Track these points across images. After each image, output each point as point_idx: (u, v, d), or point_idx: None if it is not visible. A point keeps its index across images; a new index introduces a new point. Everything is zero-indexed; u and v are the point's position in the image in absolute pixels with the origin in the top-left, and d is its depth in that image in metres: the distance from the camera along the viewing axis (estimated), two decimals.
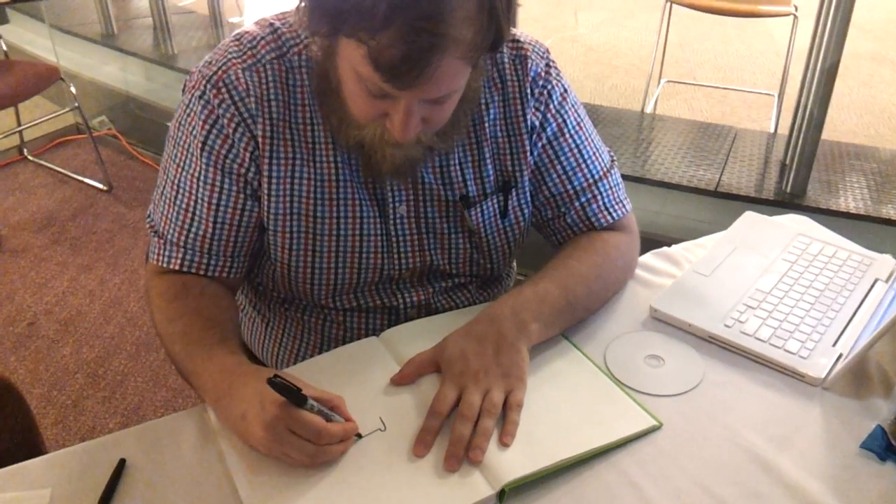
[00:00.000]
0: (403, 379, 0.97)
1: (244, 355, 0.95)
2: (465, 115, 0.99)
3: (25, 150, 3.49)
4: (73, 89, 3.14)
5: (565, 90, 1.09)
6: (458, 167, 1.06)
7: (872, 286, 1.15)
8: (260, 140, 0.98)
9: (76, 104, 3.17)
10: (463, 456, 0.86)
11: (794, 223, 1.33)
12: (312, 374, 0.97)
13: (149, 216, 1.08)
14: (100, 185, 3.25)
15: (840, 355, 1.02)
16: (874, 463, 0.88)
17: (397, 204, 1.05)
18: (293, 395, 0.82)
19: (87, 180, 3.29)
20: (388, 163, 0.96)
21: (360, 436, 0.89)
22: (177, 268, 1.03)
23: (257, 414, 0.83)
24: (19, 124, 3.34)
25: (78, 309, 2.53)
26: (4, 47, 3.27)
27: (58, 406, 2.13)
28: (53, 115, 3.30)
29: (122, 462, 0.87)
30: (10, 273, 2.71)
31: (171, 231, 1.03)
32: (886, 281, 1.16)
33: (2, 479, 0.86)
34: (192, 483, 0.86)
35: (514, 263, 1.30)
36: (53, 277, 2.68)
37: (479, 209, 1.08)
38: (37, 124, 3.35)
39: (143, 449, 0.90)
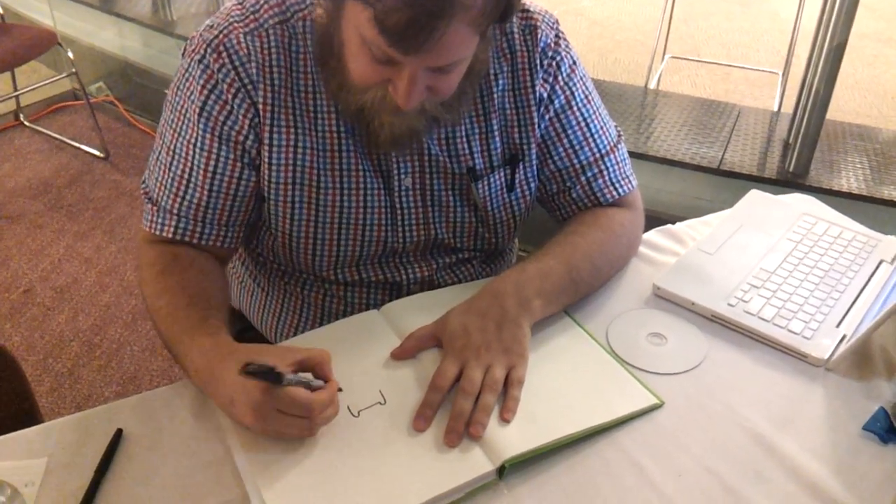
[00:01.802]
0: (404, 353, 0.96)
1: (226, 331, 0.93)
2: (472, 87, 0.97)
3: (22, 116, 3.46)
4: (70, 55, 3.10)
5: (574, 62, 1.07)
6: (464, 139, 1.04)
7: (877, 267, 1.14)
8: (261, 107, 0.97)
9: (73, 70, 3.14)
10: (463, 431, 0.85)
11: (800, 202, 1.32)
12: (311, 345, 0.96)
13: (143, 182, 1.06)
14: (96, 152, 3.23)
15: (844, 336, 1.01)
16: (876, 445, 0.88)
17: (403, 176, 1.03)
18: (270, 377, 0.80)
19: (83, 147, 3.27)
20: (386, 132, 0.93)
21: (339, 389, 0.87)
22: (169, 236, 1.01)
23: (243, 400, 0.82)
24: (16, 89, 3.31)
25: (74, 277, 2.52)
26: (1, 11, 3.22)
27: (53, 374, 2.12)
28: (50, 80, 3.26)
29: (119, 432, 0.87)
30: (5, 240, 2.69)
31: (165, 198, 1.01)
32: (892, 262, 1.15)
33: None
34: (189, 453, 0.85)
35: (517, 240, 1.28)
36: (49, 244, 2.67)
37: (485, 182, 1.06)
38: (33, 89, 3.32)
39: (141, 419, 0.89)
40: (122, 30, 3.82)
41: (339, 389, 0.88)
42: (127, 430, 0.87)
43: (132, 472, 0.83)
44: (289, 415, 0.82)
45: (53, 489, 0.81)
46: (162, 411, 0.91)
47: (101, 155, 3.21)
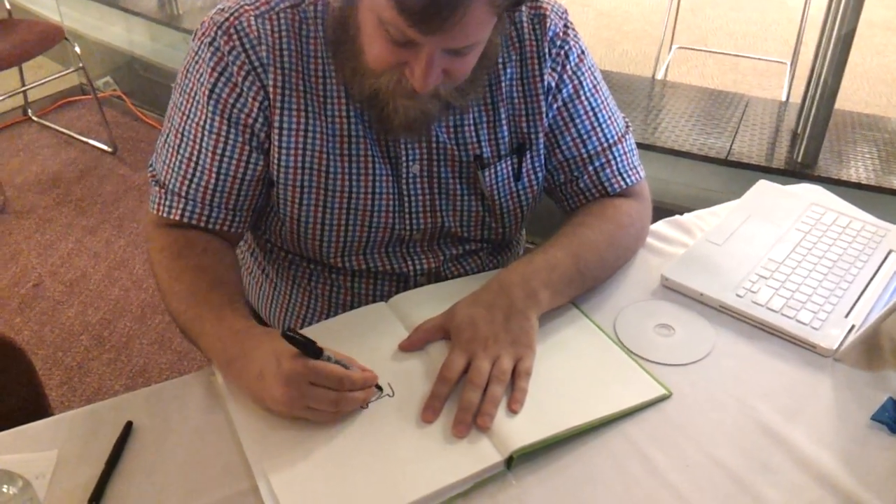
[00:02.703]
0: (412, 345, 0.96)
1: (252, 317, 0.95)
2: (483, 73, 0.98)
3: (30, 111, 3.47)
4: (77, 49, 3.10)
5: (582, 52, 1.07)
6: (472, 127, 1.04)
7: (886, 257, 1.13)
8: (271, 90, 0.97)
9: (81, 64, 3.14)
10: (471, 422, 0.85)
11: (808, 192, 1.32)
12: (320, 338, 0.96)
13: (150, 165, 1.06)
14: (104, 147, 3.23)
15: (852, 327, 1.01)
16: (885, 435, 0.87)
17: (410, 163, 1.03)
18: (309, 348, 0.82)
19: (91, 141, 3.27)
20: (399, 116, 0.93)
21: (380, 388, 0.89)
22: (177, 218, 1.01)
23: (274, 371, 0.83)
24: (23, 84, 3.32)
25: (83, 271, 2.53)
26: (8, 6, 3.23)
27: (63, 368, 2.13)
28: (58, 75, 3.27)
29: (129, 424, 0.87)
30: (15, 234, 2.71)
31: (173, 180, 1.02)
32: None
33: (9, 440, 0.86)
34: (198, 446, 0.86)
35: (524, 231, 1.28)
36: (58, 239, 2.68)
37: (492, 171, 1.06)
38: (41, 84, 3.32)
39: (150, 412, 0.90)
40: (128, 24, 3.83)
41: (379, 388, 0.89)
42: (137, 423, 0.88)
43: (142, 464, 0.84)
44: (319, 388, 0.82)
45: (64, 481, 0.82)
46: (171, 404, 0.91)
47: (109, 149, 3.22)
